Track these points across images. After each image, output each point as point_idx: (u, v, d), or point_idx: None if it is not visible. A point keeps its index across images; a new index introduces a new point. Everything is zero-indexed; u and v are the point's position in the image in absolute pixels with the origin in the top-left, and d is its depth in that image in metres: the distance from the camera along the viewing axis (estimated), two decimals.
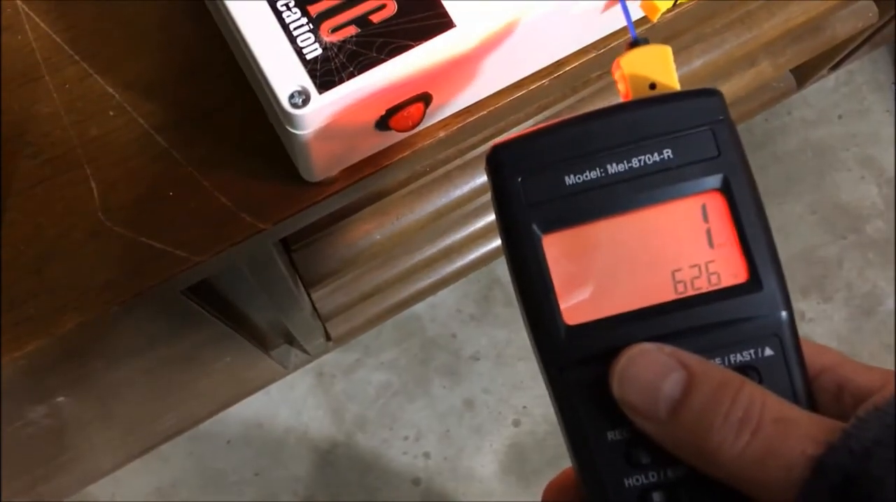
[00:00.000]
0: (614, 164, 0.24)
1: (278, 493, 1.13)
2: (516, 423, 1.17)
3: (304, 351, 0.85)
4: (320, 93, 0.30)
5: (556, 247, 0.24)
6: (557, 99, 0.57)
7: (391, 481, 1.14)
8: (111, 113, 0.38)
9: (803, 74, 0.97)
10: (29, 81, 0.38)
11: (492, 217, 0.79)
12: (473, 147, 0.53)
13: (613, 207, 0.24)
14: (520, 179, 0.24)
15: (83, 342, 0.38)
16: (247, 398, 1.06)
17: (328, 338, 0.88)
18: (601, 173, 0.24)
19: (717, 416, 0.21)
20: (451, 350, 1.18)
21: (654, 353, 0.22)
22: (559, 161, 0.24)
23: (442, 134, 0.39)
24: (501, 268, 1.21)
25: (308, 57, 0.30)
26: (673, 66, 0.25)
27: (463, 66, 0.34)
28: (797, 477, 0.20)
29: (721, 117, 0.24)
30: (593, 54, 0.40)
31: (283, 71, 0.30)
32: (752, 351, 0.23)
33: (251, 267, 0.46)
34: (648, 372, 0.22)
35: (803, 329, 1.23)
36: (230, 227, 0.38)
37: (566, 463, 1.06)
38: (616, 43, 0.40)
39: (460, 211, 0.64)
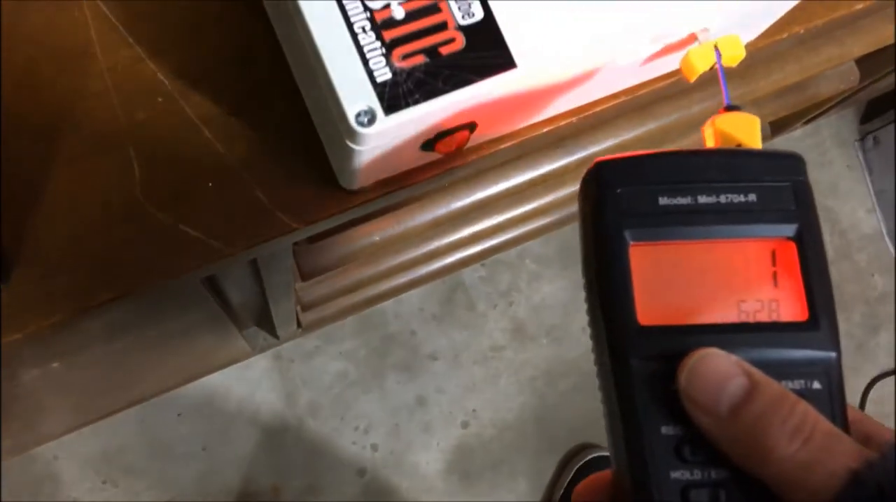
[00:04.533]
0: (704, 196, 0.26)
1: (223, 469, 1.13)
2: (465, 425, 1.19)
3: (274, 335, 0.86)
4: (386, 114, 0.31)
5: (640, 257, 0.26)
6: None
7: (336, 469, 1.16)
8: (160, 99, 0.39)
9: (779, 126, 1.02)
10: (81, 57, 0.39)
11: (475, 228, 0.82)
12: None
13: (696, 233, 0.26)
14: (618, 190, 0.26)
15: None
16: (208, 375, 1.06)
17: (299, 325, 0.89)
18: (692, 201, 0.26)
19: (775, 421, 0.23)
20: (410, 346, 1.20)
21: (722, 357, 0.25)
22: (656, 182, 0.26)
23: (473, 157, 0.41)
24: (467, 274, 1.23)
25: (378, 80, 0.32)
26: (759, 133, 0.29)
27: (512, 103, 0.36)
28: (836, 485, 0.22)
29: (801, 178, 0.27)
30: (623, 99, 0.43)
31: (353, 90, 0.31)
32: (802, 382, 0.25)
33: (264, 257, 0.47)
34: (716, 372, 0.24)
35: None
36: (265, 223, 0.39)
37: (509, 467, 1.10)
38: (644, 91, 0.43)
39: (455, 221, 0.66)
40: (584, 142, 0.62)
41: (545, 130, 0.42)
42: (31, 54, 0.38)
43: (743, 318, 0.26)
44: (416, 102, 0.32)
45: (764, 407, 0.24)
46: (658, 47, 0.37)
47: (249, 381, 1.15)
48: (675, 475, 0.25)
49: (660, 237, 0.26)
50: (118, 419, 1.10)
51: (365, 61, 0.32)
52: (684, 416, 0.25)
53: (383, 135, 0.32)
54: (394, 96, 0.32)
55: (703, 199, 0.26)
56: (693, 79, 0.36)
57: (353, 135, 0.32)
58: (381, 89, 0.32)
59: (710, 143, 0.30)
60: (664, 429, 0.25)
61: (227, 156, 0.39)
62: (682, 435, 0.25)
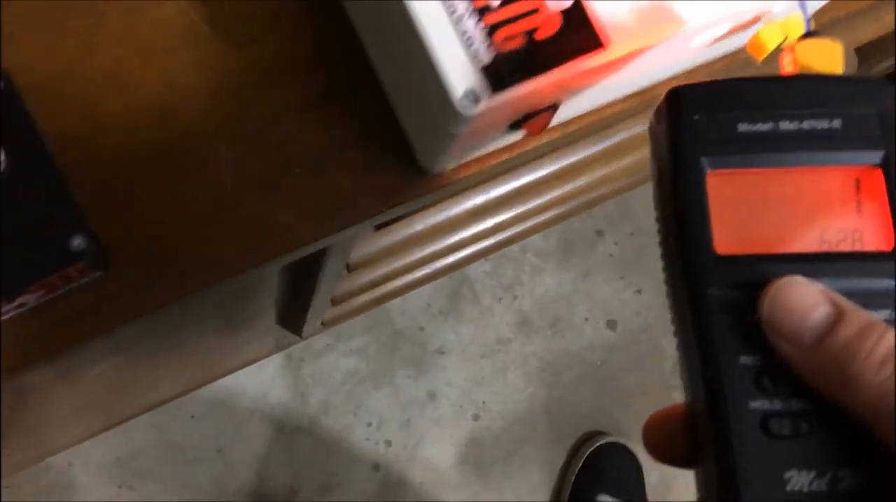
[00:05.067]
0: (786, 122, 0.25)
1: (239, 471, 1.13)
2: (475, 417, 1.21)
3: (296, 333, 0.87)
4: (491, 95, 0.33)
5: (718, 185, 0.25)
6: None
7: (351, 465, 1.17)
8: (245, 91, 0.40)
9: None
10: (167, 53, 0.40)
11: (494, 220, 0.84)
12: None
13: (776, 161, 0.25)
14: (696, 117, 0.25)
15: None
16: (231, 374, 1.06)
17: (321, 321, 0.90)
18: (773, 127, 0.25)
19: (862, 350, 0.23)
20: (418, 342, 1.22)
21: (805, 285, 0.24)
22: (735, 108, 0.25)
23: (545, 139, 0.43)
24: (472, 269, 1.25)
25: (482, 62, 0.33)
26: (842, 59, 0.28)
27: (592, 83, 0.38)
28: None
29: (888, 104, 0.25)
30: (679, 80, 0.45)
31: (459, 72, 0.33)
32: (887, 312, 0.24)
33: (337, 243, 0.49)
34: (800, 299, 0.24)
35: None
36: (349, 208, 0.41)
37: (520, 457, 1.12)
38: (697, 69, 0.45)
39: (489, 210, 0.68)
40: (611, 132, 0.64)
41: (607, 113, 0.44)
42: (117, 55, 0.39)
43: (825, 248, 0.25)
44: (517, 82, 0.34)
45: (851, 336, 0.23)
46: (726, 28, 0.39)
47: (261, 382, 1.15)
48: (755, 405, 0.24)
49: (738, 164, 0.25)
50: (131, 423, 1.10)
51: (468, 45, 0.33)
52: (764, 346, 0.24)
53: (485, 115, 0.34)
54: (497, 77, 0.33)
55: (784, 126, 0.25)
56: (762, 58, 0.38)
57: (457, 115, 0.33)
58: (484, 71, 0.33)
59: (788, 71, 0.29)
60: (742, 359, 0.24)
61: (311, 144, 0.41)
62: (761, 365, 0.24)
